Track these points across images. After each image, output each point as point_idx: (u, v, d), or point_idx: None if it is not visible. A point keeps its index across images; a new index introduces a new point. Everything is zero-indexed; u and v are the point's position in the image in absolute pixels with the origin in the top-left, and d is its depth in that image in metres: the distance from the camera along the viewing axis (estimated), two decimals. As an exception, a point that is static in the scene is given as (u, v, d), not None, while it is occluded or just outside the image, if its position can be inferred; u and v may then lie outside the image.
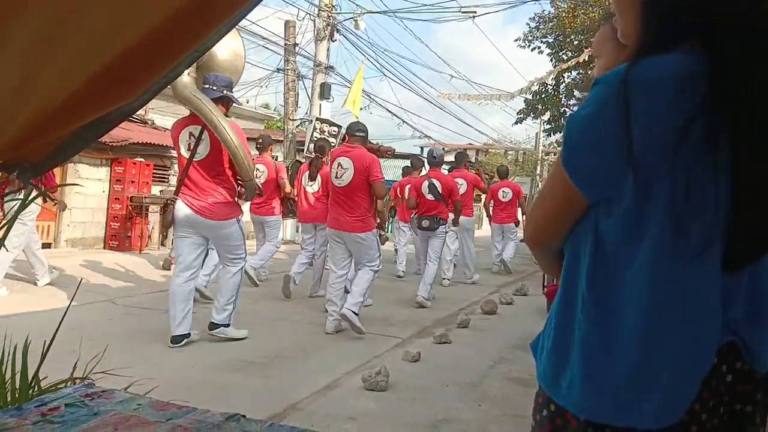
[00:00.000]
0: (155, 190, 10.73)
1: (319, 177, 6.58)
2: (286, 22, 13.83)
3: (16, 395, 1.37)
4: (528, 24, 17.72)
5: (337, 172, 5.13)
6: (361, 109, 13.96)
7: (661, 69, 0.85)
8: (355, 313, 4.97)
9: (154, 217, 10.38)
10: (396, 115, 18.82)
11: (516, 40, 17.85)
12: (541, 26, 17.19)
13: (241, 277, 4.62)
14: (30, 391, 1.41)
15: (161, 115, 15.28)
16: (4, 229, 1.52)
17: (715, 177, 0.82)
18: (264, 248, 7.18)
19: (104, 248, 10.10)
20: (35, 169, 1.33)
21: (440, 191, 6.87)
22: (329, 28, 13.79)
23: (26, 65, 1.04)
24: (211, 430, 1.09)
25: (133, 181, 10.24)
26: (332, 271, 5.34)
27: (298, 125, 14.13)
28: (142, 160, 10.54)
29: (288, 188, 7.09)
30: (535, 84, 14.49)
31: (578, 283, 0.93)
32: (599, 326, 0.90)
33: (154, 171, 10.81)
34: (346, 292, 5.30)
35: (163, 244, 10.69)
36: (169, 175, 11.38)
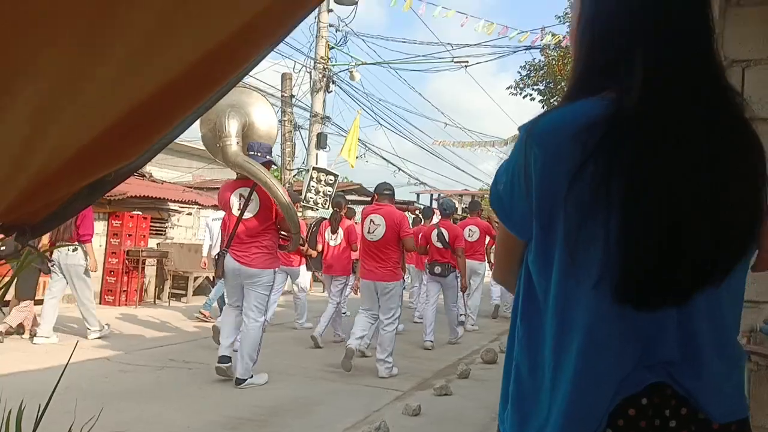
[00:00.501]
0: (152, 243, 10.69)
1: (340, 230, 7.15)
2: (283, 75, 14.11)
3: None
4: (519, 72, 18.13)
5: (369, 228, 5.58)
6: (357, 157, 14.12)
7: (560, 120, 0.92)
8: (386, 368, 5.56)
9: (150, 271, 10.30)
10: (392, 163, 19.03)
11: (508, 88, 18.22)
12: (532, 74, 17.57)
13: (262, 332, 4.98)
14: (23, 460, 1.36)
15: (159, 167, 15.39)
16: (3, 289, 1.51)
17: (606, 215, 0.85)
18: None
19: (100, 303, 9.96)
20: (34, 231, 1.32)
21: (447, 239, 7.29)
22: (325, 79, 14.06)
23: (29, 129, 1.04)
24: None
25: (130, 235, 10.21)
26: (362, 312, 5.81)
27: (295, 174, 14.24)
28: (140, 213, 10.53)
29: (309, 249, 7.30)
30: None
31: (515, 318, 1.00)
32: (527, 356, 0.95)
33: (152, 224, 10.79)
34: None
35: (159, 298, 10.58)
36: (166, 228, 11.36)
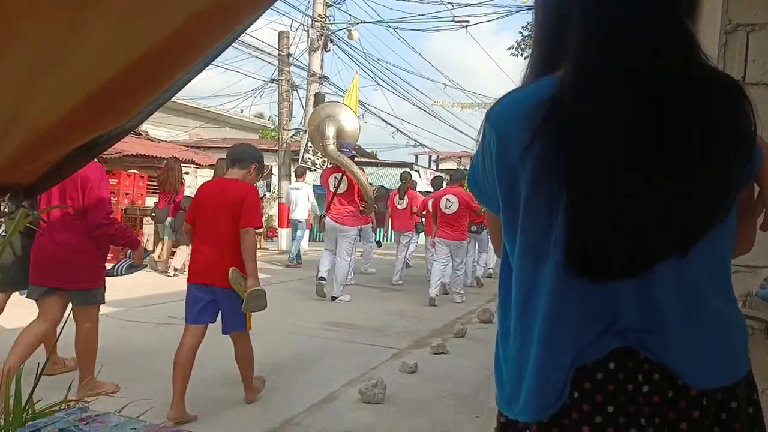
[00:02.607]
0: (150, 201, 10.69)
1: (405, 197, 9.68)
2: (280, 33, 13.86)
3: (10, 420, 1.36)
4: (521, 32, 17.86)
5: (446, 204, 7.71)
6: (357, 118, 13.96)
7: (512, 103, 0.97)
8: (460, 297, 8.02)
9: (148, 229, 10.32)
10: (390, 124, 18.93)
11: (509, 49, 17.99)
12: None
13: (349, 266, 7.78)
14: (24, 415, 1.40)
15: (155, 126, 15.27)
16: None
17: (553, 193, 0.89)
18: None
19: (99, 261, 10.03)
20: (27, 192, 1.32)
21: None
22: (323, 38, 13.82)
23: (19, 89, 1.03)
24: (207, 455, 1.07)
25: (127, 193, 10.20)
26: (437, 261, 7.80)
27: (293, 135, 14.13)
28: (137, 172, 10.51)
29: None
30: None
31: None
32: (501, 325, 1.02)
33: (149, 183, 10.76)
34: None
35: (159, 256, 10.63)
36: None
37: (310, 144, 12.70)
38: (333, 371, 4.36)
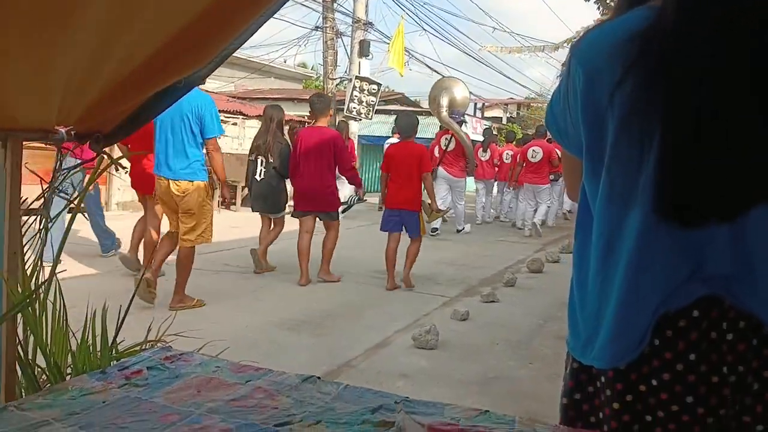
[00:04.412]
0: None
1: (488, 150, 11.07)
2: (324, -21, 13.61)
3: (98, 359, 1.44)
4: (573, -29, 16.99)
5: (532, 154, 9.80)
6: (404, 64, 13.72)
7: (601, 37, 0.92)
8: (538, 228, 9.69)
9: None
10: (436, 71, 18.47)
11: (561, -11, 17.16)
12: (587, -27, 16.44)
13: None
14: (110, 354, 1.48)
15: (208, 79, 15.37)
16: (81, 197, 1.58)
17: (645, 131, 0.84)
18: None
19: (154, 210, 10.36)
20: (107, 139, 1.36)
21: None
22: (367, -18, 13.50)
23: (100, 38, 1.05)
24: (289, 391, 1.11)
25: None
26: (528, 203, 9.97)
27: (338, 84, 14.03)
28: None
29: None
30: (582, 33, 13.98)
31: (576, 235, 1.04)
32: (578, 269, 1.00)
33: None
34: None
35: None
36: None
37: (355, 93, 12.63)
38: (387, 318, 4.45)
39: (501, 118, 28.38)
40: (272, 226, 5.92)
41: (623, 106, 0.86)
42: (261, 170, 5.68)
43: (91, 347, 1.52)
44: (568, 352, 1.02)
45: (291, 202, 5.70)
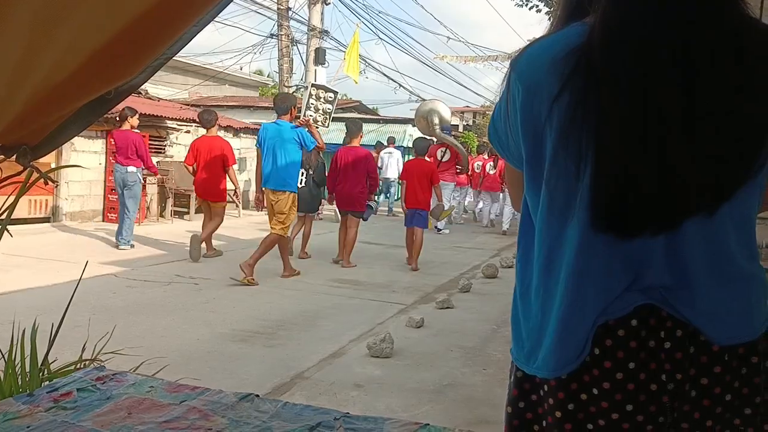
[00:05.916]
0: (152, 161, 10.63)
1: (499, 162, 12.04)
2: (279, -14, 13.53)
3: (27, 380, 1.37)
4: (525, -18, 17.34)
5: (489, 167, 11.51)
6: (359, 72, 13.74)
7: (539, 52, 0.92)
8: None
9: (152, 189, 10.31)
10: (392, 79, 18.60)
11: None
12: (539, -16, 16.80)
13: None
14: (40, 375, 1.41)
15: (154, 85, 15.07)
16: (8, 211, 1.50)
17: (581, 144, 0.85)
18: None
19: (103, 221, 10.07)
20: (35, 152, 1.30)
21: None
22: (322, -10, 13.49)
23: (25, 46, 1.00)
24: (225, 411, 1.08)
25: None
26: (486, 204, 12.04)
27: (294, 91, 13.94)
28: (138, 131, 10.41)
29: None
30: (521, 48, 14.28)
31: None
32: (520, 281, 1.01)
33: (150, 142, 10.68)
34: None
35: (162, 216, 10.66)
36: (165, 145, 11.27)
37: (311, 101, 12.58)
38: (341, 327, 4.41)
39: (458, 125, 28.70)
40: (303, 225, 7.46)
41: (561, 119, 0.87)
42: (302, 180, 7.01)
43: (19, 368, 1.45)
44: (513, 361, 1.03)
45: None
